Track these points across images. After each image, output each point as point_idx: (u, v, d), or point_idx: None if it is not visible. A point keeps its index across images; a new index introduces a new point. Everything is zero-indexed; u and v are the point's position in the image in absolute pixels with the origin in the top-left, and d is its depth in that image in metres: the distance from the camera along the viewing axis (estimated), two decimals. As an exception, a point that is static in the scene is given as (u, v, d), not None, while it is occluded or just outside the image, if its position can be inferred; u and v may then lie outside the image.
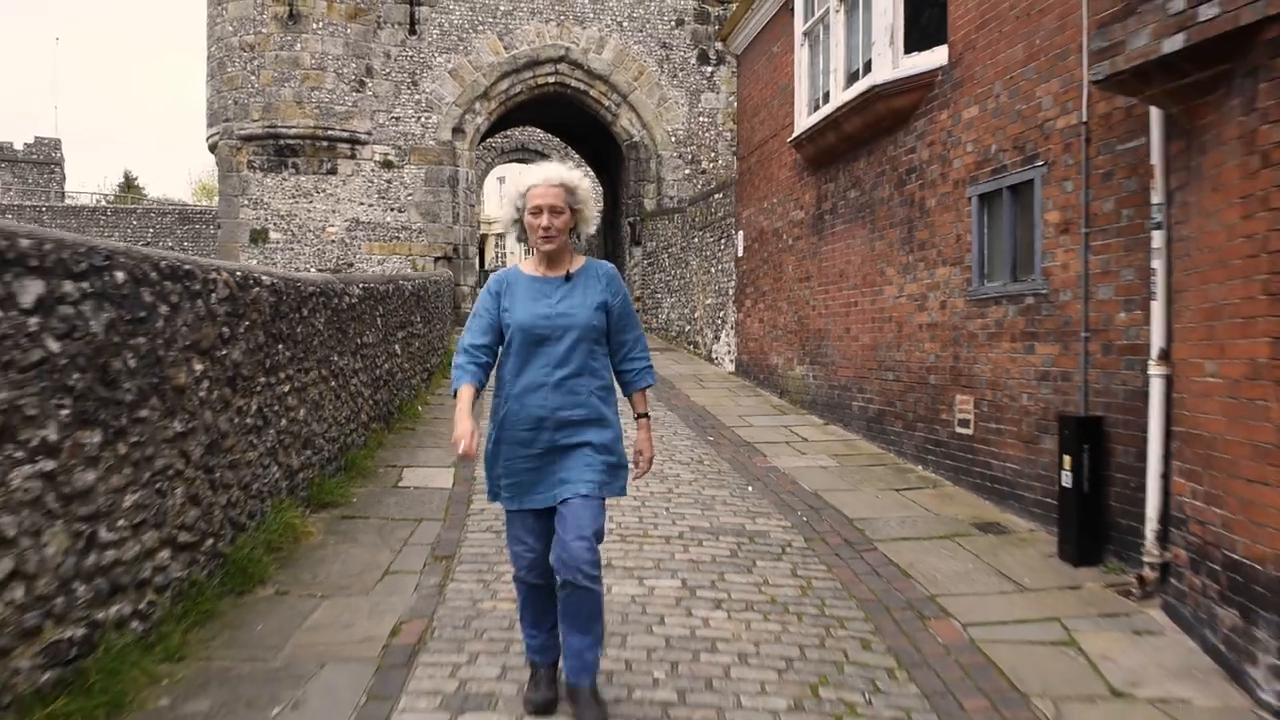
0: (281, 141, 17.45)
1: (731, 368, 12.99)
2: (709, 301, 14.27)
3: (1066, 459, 5.15)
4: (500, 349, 3.25)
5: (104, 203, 39.34)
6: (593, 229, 3.35)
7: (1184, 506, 4.26)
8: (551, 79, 18.85)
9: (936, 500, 6.41)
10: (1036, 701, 3.56)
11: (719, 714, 3.35)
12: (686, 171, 19.15)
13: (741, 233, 12.44)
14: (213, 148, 18.37)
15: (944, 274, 6.98)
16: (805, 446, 8.16)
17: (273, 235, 17.55)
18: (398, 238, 17.99)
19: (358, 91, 17.67)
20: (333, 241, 17.69)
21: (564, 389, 3.13)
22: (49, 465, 3.17)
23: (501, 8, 18.33)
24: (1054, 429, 5.47)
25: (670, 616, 4.26)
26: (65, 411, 3.25)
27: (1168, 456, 4.54)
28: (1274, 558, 3.50)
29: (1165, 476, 4.55)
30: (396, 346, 8.52)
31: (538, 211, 3.13)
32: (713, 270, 14.05)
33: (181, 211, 34.08)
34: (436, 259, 18.07)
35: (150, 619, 3.75)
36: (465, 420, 3.05)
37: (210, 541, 4.32)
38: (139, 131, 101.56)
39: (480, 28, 18.29)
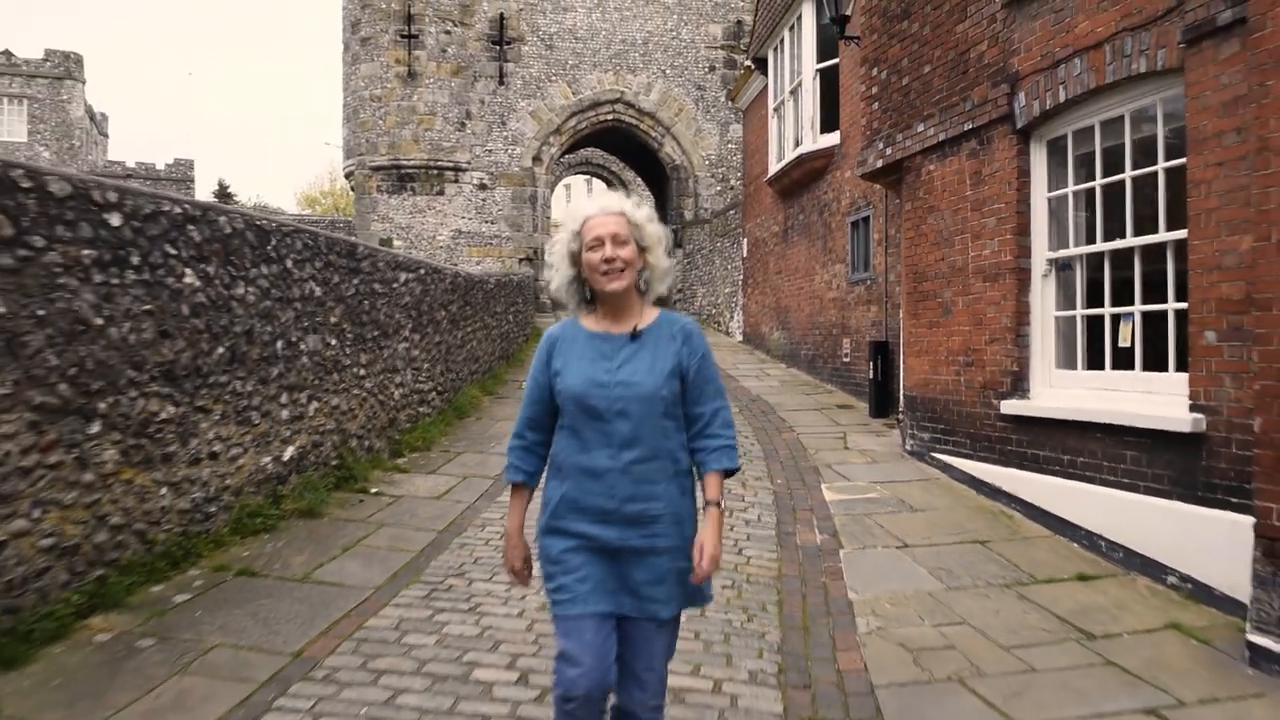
0: (402, 171, 22.62)
1: (740, 338, 17.72)
2: (726, 291, 19.01)
3: (871, 364, 9.82)
4: (555, 419, 2.65)
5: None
6: (665, 285, 2.67)
7: (904, 376, 8.92)
8: (609, 116, 23.74)
9: (825, 397, 11.13)
10: (810, 451, 8.28)
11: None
12: (718, 189, 23.88)
13: (746, 240, 17.16)
14: (348, 176, 23.72)
15: (838, 269, 11.66)
16: (766, 377, 12.89)
17: (396, 243, 22.71)
18: (491, 244, 23.06)
19: (459, 131, 22.76)
20: (441, 247, 22.79)
21: (634, 476, 2.49)
22: (404, 345, 8.12)
23: (569, 62, 23.26)
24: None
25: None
26: (410, 325, 8.21)
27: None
28: (908, 387, 8.15)
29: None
30: (510, 316, 13.55)
31: (597, 244, 2.51)
32: (729, 267, 18.79)
33: (298, 219, 39.97)
34: (520, 260, 23.09)
35: (430, 418, 8.72)
36: (514, 544, 2.60)
37: (447, 394, 9.31)
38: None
39: (553, 78, 23.25)
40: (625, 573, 2.52)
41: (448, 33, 22.44)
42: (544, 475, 2.70)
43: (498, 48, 22.84)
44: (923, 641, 4.39)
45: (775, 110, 14.14)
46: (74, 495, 4.32)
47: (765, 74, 14.69)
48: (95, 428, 4.44)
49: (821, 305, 12.33)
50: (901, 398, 8.85)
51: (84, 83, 43.82)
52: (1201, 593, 4.84)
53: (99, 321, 4.47)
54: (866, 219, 10.68)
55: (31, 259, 4.09)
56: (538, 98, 23.20)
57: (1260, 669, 4.03)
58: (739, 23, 23.65)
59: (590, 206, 2.61)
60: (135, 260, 4.74)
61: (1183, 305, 5.12)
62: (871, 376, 9.77)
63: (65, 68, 42.92)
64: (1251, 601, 4.16)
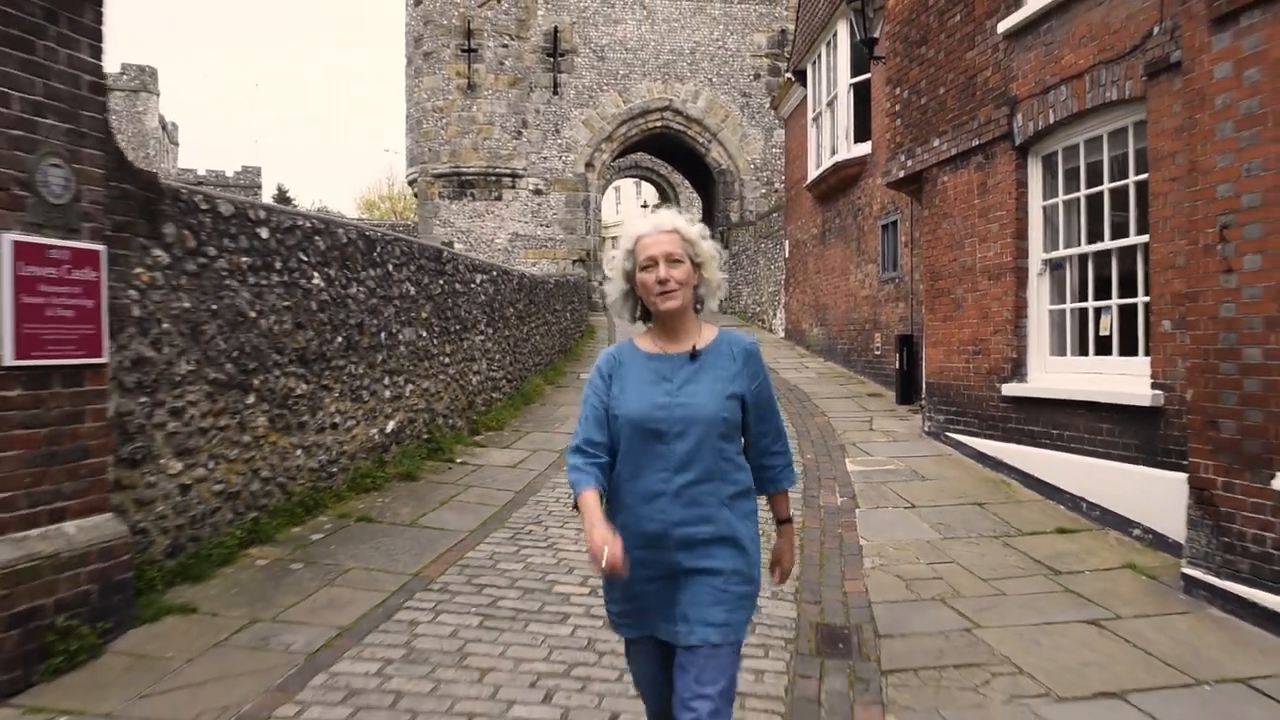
0: (462, 177, 23.93)
1: (783, 334, 18.67)
2: (770, 290, 19.97)
3: (897, 355, 10.75)
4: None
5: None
6: (718, 299, 2.65)
7: (924, 365, 9.85)
8: (658, 123, 24.83)
9: (857, 387, 12.07)
10: (838, 432, 9.26)
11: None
12: (762, 191, 24.83)
13: (787, 241, 18.10)
14: (411, 183, 25.11)
15: (870, 269, 12.59)
16: (804, 370, 13.86)
17: (456, 246, 23.98)
18: (545, 246, 24.27)
19: (516, 139, 24.00)
20: (499, 250, 24.06)
21: (685, 499, 2.44)
22: (480, 338, 9.27)
23: (620, 72, 24.39)
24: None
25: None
26: (485, 320, 9.36)
27: (929, 348, 10.12)
28: (928, 375, 9.08)
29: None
30: (568, 313, 14.71)
31: (651, 264, 2.48)
32: (772, 267, 19.74)
33: (360, 222, 41.69)
34: (574, 261, 24.28)
35: (501, 403, 9.87)
36: (600, 525, 2.34)
37: (515, 382, 10.46)
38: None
39: (605, 87, 24.39)
40: (678, 597, 2.45)
41: (505, 46, 23.68)
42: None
43: (552, 59, 24.03)
44: (916, 574, 5.38)
45: (814, 120, 15.09)
46: (236, 452, 5.49)
47: (804, 86, 15.64)
48: (250, 399, 5.62)
49: (855, 303, 13.26)
50: (923, 385, 9.78)
51: (158, 95, 46.08)
52: (1159, 541, 5.75)
53: (253, 314, 5.64)
54: (895, 222, 11.60)
55: (207, 265, 5.26)
56: (590, 106, 24.35)
57: (1191, 595, 4.96)
58: (783, 31, 24.57)
59: (643, 224, 2.56)
60: (278, 265, 5.91)
61: (1149, 299, 6.03)
62: (898, 366, 10.70)
63: (141, 81, 45.22)
64: (1186, 541, 5.08)
